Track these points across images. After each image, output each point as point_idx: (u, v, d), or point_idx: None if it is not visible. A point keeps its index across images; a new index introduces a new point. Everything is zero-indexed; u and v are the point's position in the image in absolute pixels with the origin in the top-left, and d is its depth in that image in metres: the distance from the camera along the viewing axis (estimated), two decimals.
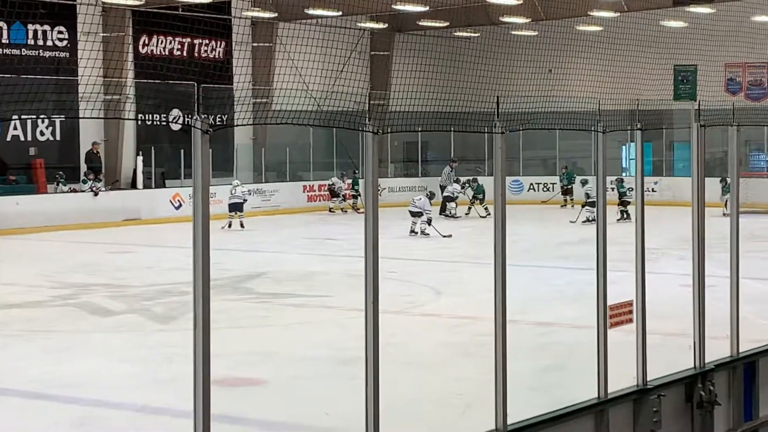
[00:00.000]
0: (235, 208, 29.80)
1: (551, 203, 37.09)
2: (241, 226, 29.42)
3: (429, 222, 27.43)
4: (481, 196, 33.85)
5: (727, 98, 37.51)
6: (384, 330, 7.27)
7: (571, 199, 35.70)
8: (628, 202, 30.18)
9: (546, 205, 36.90)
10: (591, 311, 9.15)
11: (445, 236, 26.71)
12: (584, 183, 32.99)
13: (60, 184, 30.98)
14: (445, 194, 33.60)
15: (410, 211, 27.79)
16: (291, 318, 15.73)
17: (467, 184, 34.29)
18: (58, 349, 13.45)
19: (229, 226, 29.05)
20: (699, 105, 10.76)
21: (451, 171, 35.70)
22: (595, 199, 30.04)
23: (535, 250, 22.83)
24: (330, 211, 35.63)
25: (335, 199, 35.95)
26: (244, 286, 18.80)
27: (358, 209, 33.77)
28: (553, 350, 13.02)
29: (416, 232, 27.34)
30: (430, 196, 29.37)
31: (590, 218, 29.83)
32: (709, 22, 34.76)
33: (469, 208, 34.02)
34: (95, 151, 32.66)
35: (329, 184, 36.27)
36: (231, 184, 30.68)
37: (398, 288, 17.40)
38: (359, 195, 34.95)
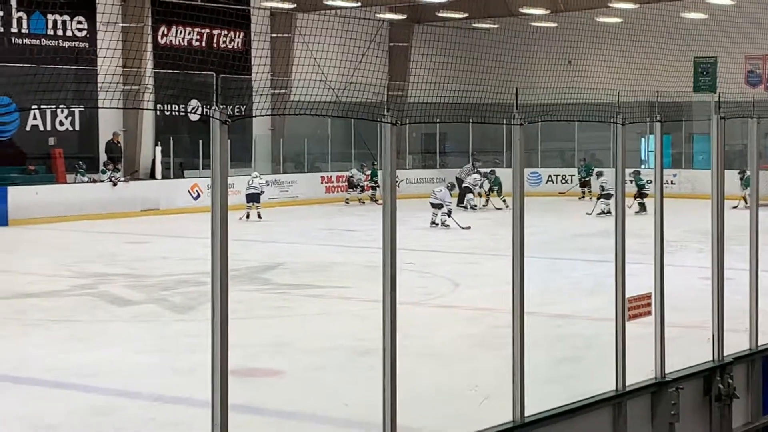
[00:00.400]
0: (253, 198, 29.81)
1: (569, 195, 36.98)
2: (259, 216, 29.49)
3: (449, 214, 27.43)
4: (497, 188, 33.81)
5: (748, 90, 37.35)
6: (402, 321, 7.26)
7: (589, 191, 35.60)
8: (646, 195, 30.10)
9: (564, 196, 36.81)
10: (609, 303, 9.13)
11: (464, 228, 26.70)
12: (599, 175, 32.94)
13: (79, 174, 31.07)
14: (464, 185, 33.55)
15: (431, 203, 27.80)
16: (309, 309, 15.75)
17: (485, 176, 34.23)
18: (76, 339, 13.49)
19: (247, 217, 29.11)
20: (719, 97, 10.71)
21: (473, 168, 35.63)
22: (611, 191, 30.13)
23: (553, 242, 22.81)
24: (346, 202, 35.61)
25: (351, 190, 35.91)
26: (261, 276, 18.82)
27: (377, 200, 33.80)
28: (571, 342, 13.00)
29: (437, 224, 27.34)
30: (451, 187, 29.34)
31: (605, 210, 29.83)
32: (729, 14, 34.58)
33: (487, 200, 33.98)
34: (116, 141, 32.77)
35: (348, 176, 36.26)
36: (249, 176, 30.69)
37: (416, 279, 17.41)
38: (378, 186, 35.00)
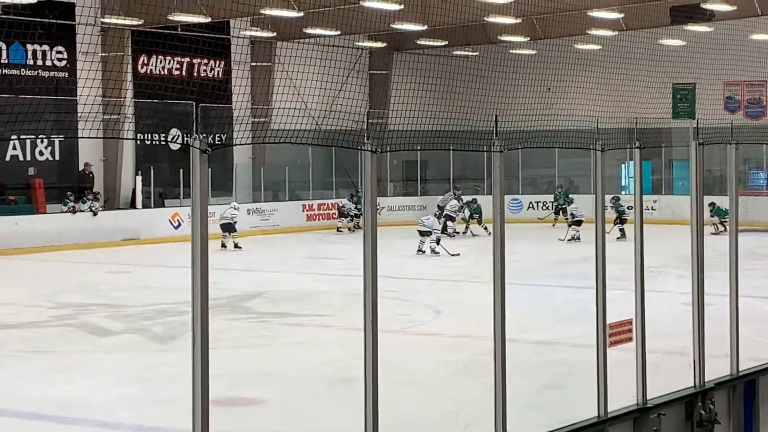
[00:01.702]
0: (226, 228, 29.54)
1: (547, 221, 37.00)
2: (236, 246, 29.26)
3: (438, 241, 27.46)
4: (477, 216, 33.88)
5: (726, 116, 37.58)
6: (383, 349, 7.24)
7: (565, 218, 35.39)
8: (626, 221, 30.28)
9: (542, 222, 36.83)
10: (591, 330, 9.13)
11: (453, 255, 26.73)
12: (570, 202, 33.16)
13: (63, 204, 30.82)
14: (446, 213, 33.65)
15: (419, 231, 27.86)
16: (290, 337, 15.71)
17: (467, 204, 34.31)
18: (56, 370, 13.42)
19: (223, 246, 28.89)
20: (697, 123, 10.76)
21: (454, 197, 35.74)
22: (581, 218, 30.39)
23: (535, 268, 22.82)
24: (337, 230, 35.49)
25: (342, 218, 35.77)
26: (243, 305, 18.77)
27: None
28: (553, 369, 13.00)
29: (424, 251, 27.35)
30: (438, 215, 29.34)
31: (575, 236, 30.06)
32: (707, 41, 34.84)
33: (466, 227, 34.03)
34: (87, 172, 32.60)
35: (340, 205, 36.16)
36: (228, 205, 30.58)
37: (398, 307, 17.39)
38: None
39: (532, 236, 30.78)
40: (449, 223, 33.21)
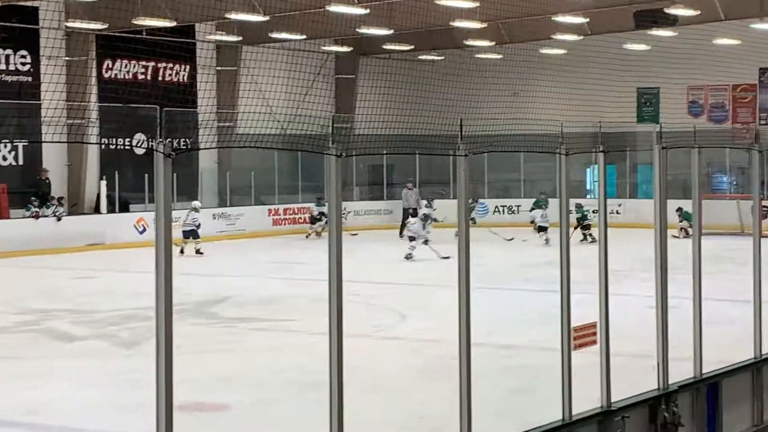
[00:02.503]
0: (189, 234, 28.97)
1: (517, 225, 36.93)
2: (197, 252, 28.71)
3: (426, 242, 27.21)
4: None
5: (690, 120, 37.83)
6: (349, 354, 7.25)
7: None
8: (589, 225, 30.46)
9: (502, 227, 36.66)
10: (556, 333, 9.16)
11: (444, 258, 26.73)
12: (533, 209, 33.35)
13: (29, 208, 30.59)
14: (424, 213, 33.85)
15: (408, 236, 27.82)
16: (255, 342, 15.67)
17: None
18: (20, 376, 13.31)
19: (181, 252, 27.91)
20: (661, 127, 10.82)
21: (410, 191, 35.84)
22: (544, 225, 30.56)
23: (501, 272, 22.88)
24: (307, 236, 34.81)
25: (312, 225, 35.06)
26: (208, 310, 18.71)
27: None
28: (519, 373, 13.03)
29: (412, 255, 27.21)
30: (424, 218, 29.09)
31: (547, 241, 30.30)
32: (671, 46, 35.09)
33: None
34: (43, 177, 32.35)
35: (312, 211, 35.45)
36: (191, 206, 30.04)
37: (363, 312, 17.38)
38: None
39: (499, 240, 30.86)
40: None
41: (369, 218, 37.22)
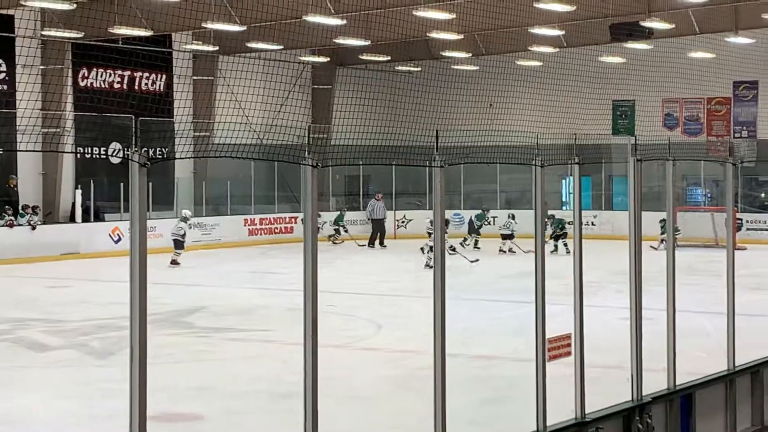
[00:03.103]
0: (176, 245, 29.01)
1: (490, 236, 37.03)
2: (175, 263, 28.58)
3: (452, 249, 26.94)
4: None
5: (665, 133, 38.02)
6: (324, 364, 7.24)
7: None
8: (562, 235, 30.70)
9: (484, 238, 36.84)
10: (531, 344, 9.18)
11: (473, 261, 26.66)
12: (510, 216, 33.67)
13: (2, 217, 30.41)
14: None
15: (431, 246, 27.78)
16: (230, 352, 15.64)
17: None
18: None
19: (175, 263, 28.29)
20: (636, 139, 10.87)
21: (378, 201, 35.96)
22: (508, 232, 30.88)
23: (476, 283, 22.92)
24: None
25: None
26: (183, 320, 18.66)
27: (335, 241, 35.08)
28: (494, 383, 13.06)
29: (431, 266, 27.12)
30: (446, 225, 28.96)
31: (502, 249, 31.08)
32: (646, 59, 35.28)
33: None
34: (12, 186, 32.18)
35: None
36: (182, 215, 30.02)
37: (339, 322, 17.38)
38: (340, 228, 35.08)
39: (475, 251, 30.91)
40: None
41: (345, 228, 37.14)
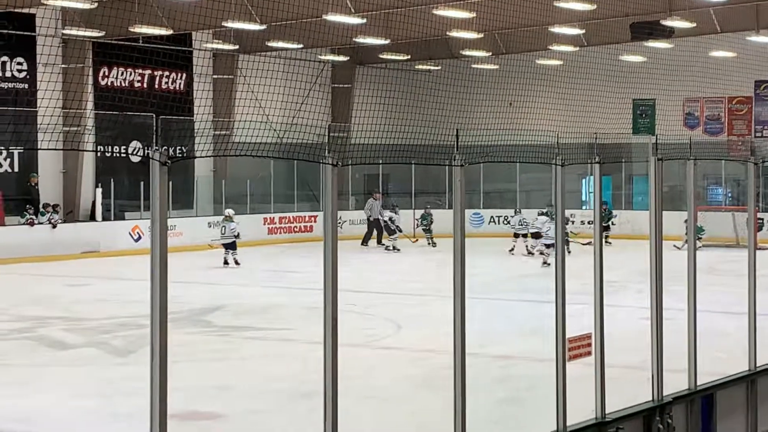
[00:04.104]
0: (229, 246, 28.39)
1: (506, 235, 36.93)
2: (236, 263, 28.10)
3: (548, 246, 26.49)
4: (429, 228, 34.23)
5: (686, 132, 37.87)
6: (344, 363, 7.24)
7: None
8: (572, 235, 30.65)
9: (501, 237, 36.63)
10: (551, 344, 9.16)
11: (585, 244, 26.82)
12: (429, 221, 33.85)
13: (24, 215, 30.50)
14: (385, 221, 33.99)
15: (531, 233, 27.55)
16: (250, 351, 15.65)
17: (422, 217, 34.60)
18: (14, 383, 13.29)
19: (225, 263, 28.03)
20: (656, 139, 10.83)
21: (375, 201, 35.88)
22: (520, 232, 30.71)
23: (496, 283, 22.87)
24: (385, 248, 33.87)
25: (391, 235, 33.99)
26: (203, 319, 18.68)
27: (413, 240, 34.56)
28: (513, 383, 13.03)
29: (532, 254, 26.97)
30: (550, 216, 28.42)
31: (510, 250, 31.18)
32: (667, 57, 35.14)
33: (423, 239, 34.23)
34: (32, 184, 32.27)
35: (384, 221, 34.49)
36: (223, 215, 29.52)
37: (358, 321, 17.36)
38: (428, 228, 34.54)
39: (493, 251, 30.84)
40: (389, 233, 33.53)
41: (364, 227, 37.09)
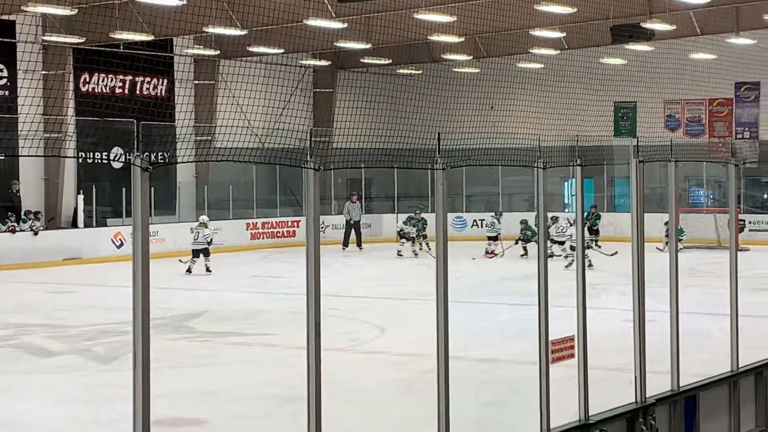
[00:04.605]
0: (200, 252, 27.84)
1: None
2: (207, 270, 27.66)
3: (573, 248, 26.25)
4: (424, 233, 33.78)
5: (667, 134, 38.01)
6: (327, 368, 7.24)
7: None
8: (529, 240, 30.60)
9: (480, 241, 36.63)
10: (534, 347, 9.17)
11: (611, 255, 26.86)
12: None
13: (5, 223, 30.37)
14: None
15: (554, 240, 27.28)
16: (233, 357, 15.62)
17: (410, 222, 34.32)
18: None
19: (188, 271, 27.50)
20: (638, 141, 10.86)
21: (353, 204, 35.95)
22: (493, 234, 30.87)
23: (479, 286, 22.91)
24: (399, 255, 32.83)
25: (403, 241, 33.16)
26: (186, 324, 18.65)
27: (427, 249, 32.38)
28: (497, 386, 13.04)
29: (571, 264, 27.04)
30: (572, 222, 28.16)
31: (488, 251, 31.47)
32: (648, 60, 35.27)
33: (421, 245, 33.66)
34: (14, 191, 32.16)
35: (398, 230, 33.88)
36: (198, 221, 29.08)
37: (341, 325, 17.36)
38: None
39: (476, 254, 30.88)
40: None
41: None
